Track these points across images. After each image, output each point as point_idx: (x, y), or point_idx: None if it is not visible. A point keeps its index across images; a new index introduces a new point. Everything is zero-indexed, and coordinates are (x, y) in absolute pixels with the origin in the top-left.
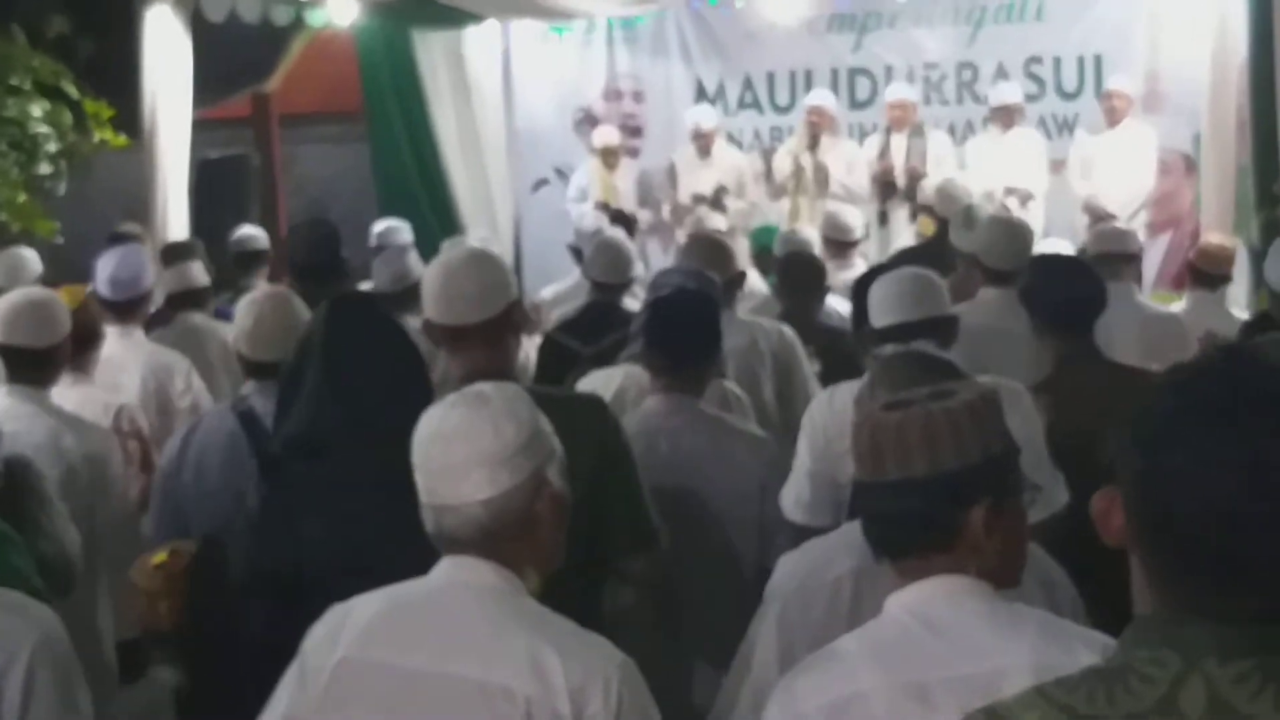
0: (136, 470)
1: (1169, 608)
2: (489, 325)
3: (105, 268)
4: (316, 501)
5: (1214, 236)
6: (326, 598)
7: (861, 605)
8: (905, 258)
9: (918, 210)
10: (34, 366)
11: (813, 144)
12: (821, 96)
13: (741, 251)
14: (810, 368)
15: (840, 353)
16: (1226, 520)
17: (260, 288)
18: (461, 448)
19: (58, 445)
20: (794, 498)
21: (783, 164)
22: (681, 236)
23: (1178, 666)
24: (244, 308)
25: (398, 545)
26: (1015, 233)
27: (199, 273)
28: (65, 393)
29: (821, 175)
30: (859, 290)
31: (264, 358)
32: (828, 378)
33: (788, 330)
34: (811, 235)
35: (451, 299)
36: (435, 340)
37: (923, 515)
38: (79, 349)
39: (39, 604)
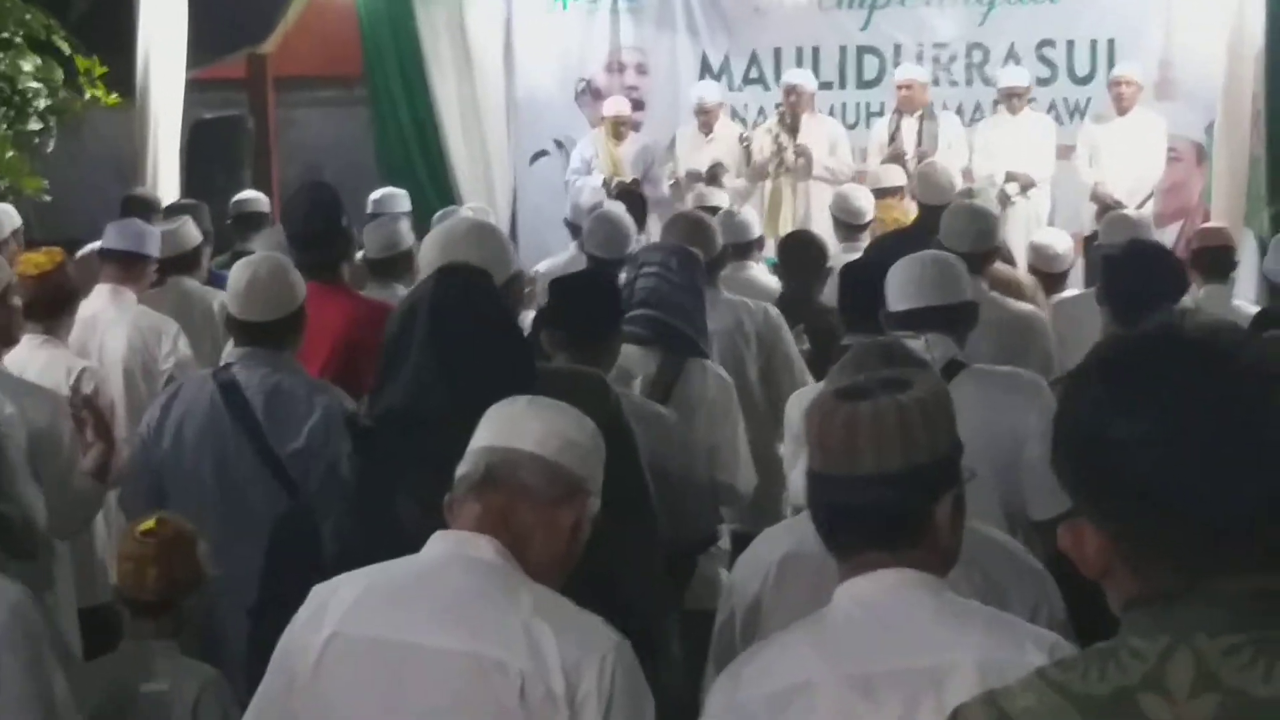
0: (90, 436)
1: (1155, 589)
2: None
3: (111, 233)
4: (414, 476)
5: (1214, 228)
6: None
7: (784, 589)
8: (884, 245)
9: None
10: None
11: (792, 125)
12: (798, 75)
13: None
14: (797, 349)
15: (832, 334)
16: (1207, 481)
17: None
18: (547, 414)
19: (20, 413)
20: (796, 487)
21: (763, 145)
22: (679, 210)
23: (1165, 640)
24: (238, 268)
25: None
26: (978, 218)
27: (192, 235)
28: (34, 353)
29: (804, 153)
30: (845, 277)
31: (252, 318)
32: (817, 358)
33: (773, 310)
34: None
35: (454, 257)
36: None
37: (898, 509)
38: (51, 310)
39: (7, 581)
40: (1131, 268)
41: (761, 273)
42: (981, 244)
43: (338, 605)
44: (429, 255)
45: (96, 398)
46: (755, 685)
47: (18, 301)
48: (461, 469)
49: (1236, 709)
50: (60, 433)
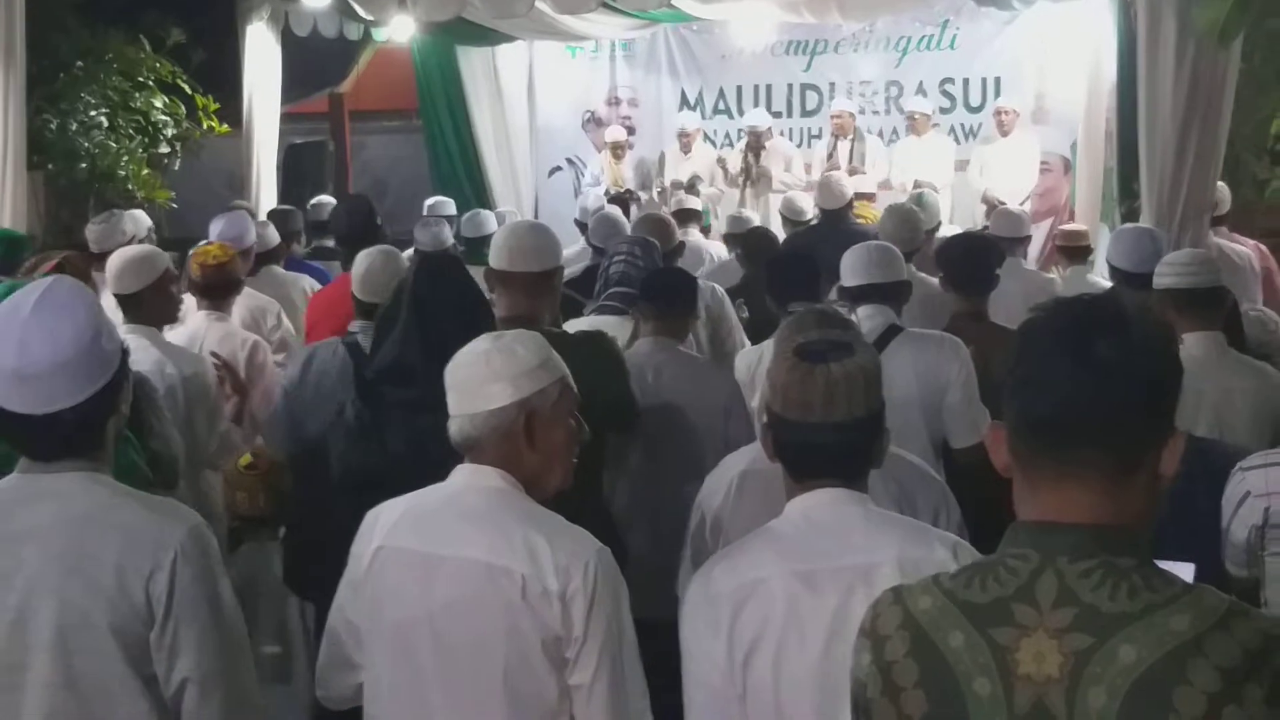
0: (229, 390)
1: (1036, 515)
2: (536, 278)
3: (215, 228)
4: (401, 418)
5: (1069, 225)
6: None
7: (742, 500)
8: (797, 239)
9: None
10: (138, 310)
11: (755, 152)
12: (755, 117)
13: (716, 229)
14: (737, 317)
15: (765, 307)
16: (1055, 422)
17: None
18: (478, 368)
19: (163, 371)
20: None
21: (735, 162)
22: (666, 212)
23: (1036, 562)
24: (359, 259)
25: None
26: (907, 220)
27: (274, 236)
28: (211, 326)
29: (764, 174)
30: (772, 266)
31: (369, 299)
32: (754, 324)
33: (719, 288)
34: (753, 216)
35: (512, 251)
36: (491, 284)
37: (846, 448)
38: (224, 292)
39: (185, 507)
40: (960, 256)
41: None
42: (913, 241)
43: (382, 525)
44: (497, 239)
45: (266, 365)
46: (724, 580)
47: (175, 289)
48: (452, 432)
49: (1088, 619)
50: (209, 387)
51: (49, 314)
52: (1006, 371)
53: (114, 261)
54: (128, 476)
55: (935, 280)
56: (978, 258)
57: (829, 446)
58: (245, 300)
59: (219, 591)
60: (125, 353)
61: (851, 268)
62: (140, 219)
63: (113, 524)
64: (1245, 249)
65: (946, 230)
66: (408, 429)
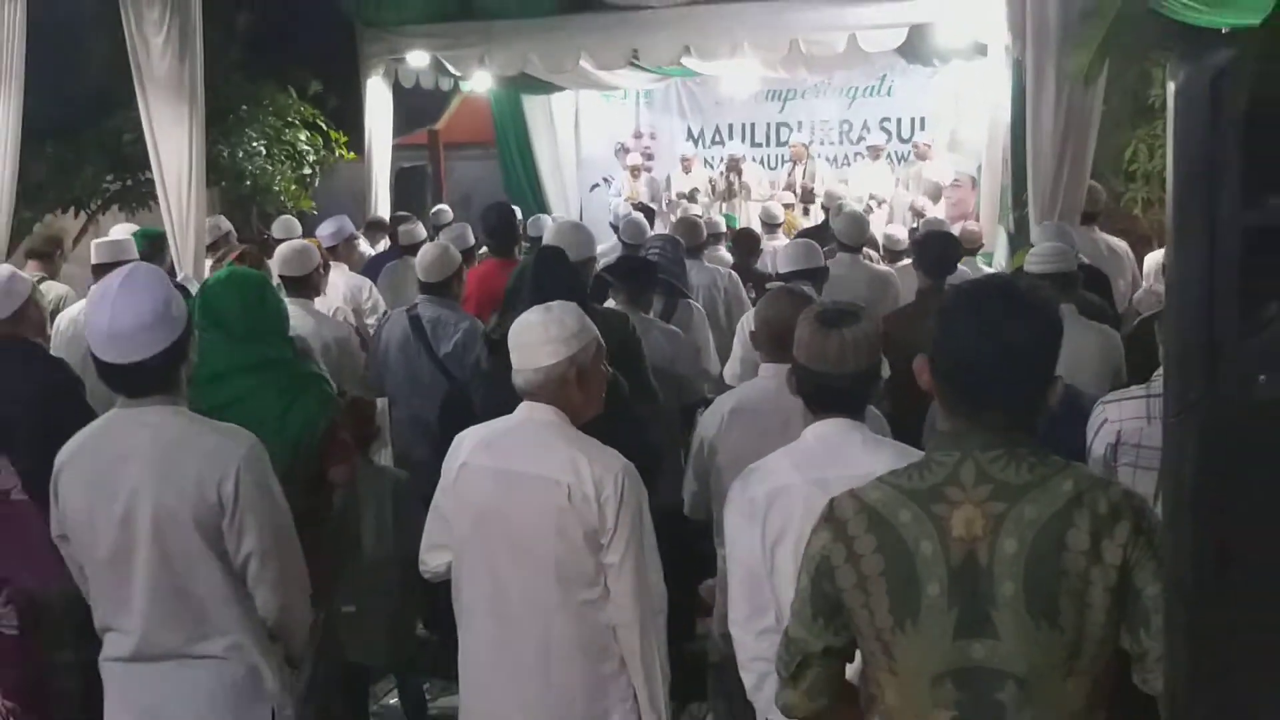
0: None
1: (953, 425)
2: (577, 266)
3: (324, 229)
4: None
5: (969, 225)
6: None
7: (731, 429)
8: (804, 234)
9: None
10: (298, 287)
11: (737, 173)
12: (734, 147)
13: (722, 224)
14: (746, 295)
15: (761, 287)
16: (974, 366)
17: (437, 242)
18: (533, 335)
19: (319, 334)
20: (731, 372)
21: (720, 182)
22: (672, 218)
23: (958, 455)
24: (423, 250)
25: None
26: (857, 221)
27: (419, 233)
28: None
29: (745, 190)
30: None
31: (429, 279)
32: (757, 300)
33: (734, 274)
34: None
35: (559, 244)
36: None
37: (861, 391)
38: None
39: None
40: (932, 245)
41: (725, 252)
42: (861, 235)
43: (466, 447)
44: (548, 238)
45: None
46: (757, 486)
47: (321, 271)
48: (516, 382)
49: (1001, 490)
50: (354, 348)
51: (131, 290)
52: (933, 329)
53: (283, 251)
54: (327, 404)
55: (877, 266)
56: (943, 248)
57: (840, 389)
58: (347, 280)
59: (271, 492)
60: (190, 316)
61: (787, 258)
62: (294, 223)
63: (192, 444)
64: (1121, 242)
65: (888, 230)
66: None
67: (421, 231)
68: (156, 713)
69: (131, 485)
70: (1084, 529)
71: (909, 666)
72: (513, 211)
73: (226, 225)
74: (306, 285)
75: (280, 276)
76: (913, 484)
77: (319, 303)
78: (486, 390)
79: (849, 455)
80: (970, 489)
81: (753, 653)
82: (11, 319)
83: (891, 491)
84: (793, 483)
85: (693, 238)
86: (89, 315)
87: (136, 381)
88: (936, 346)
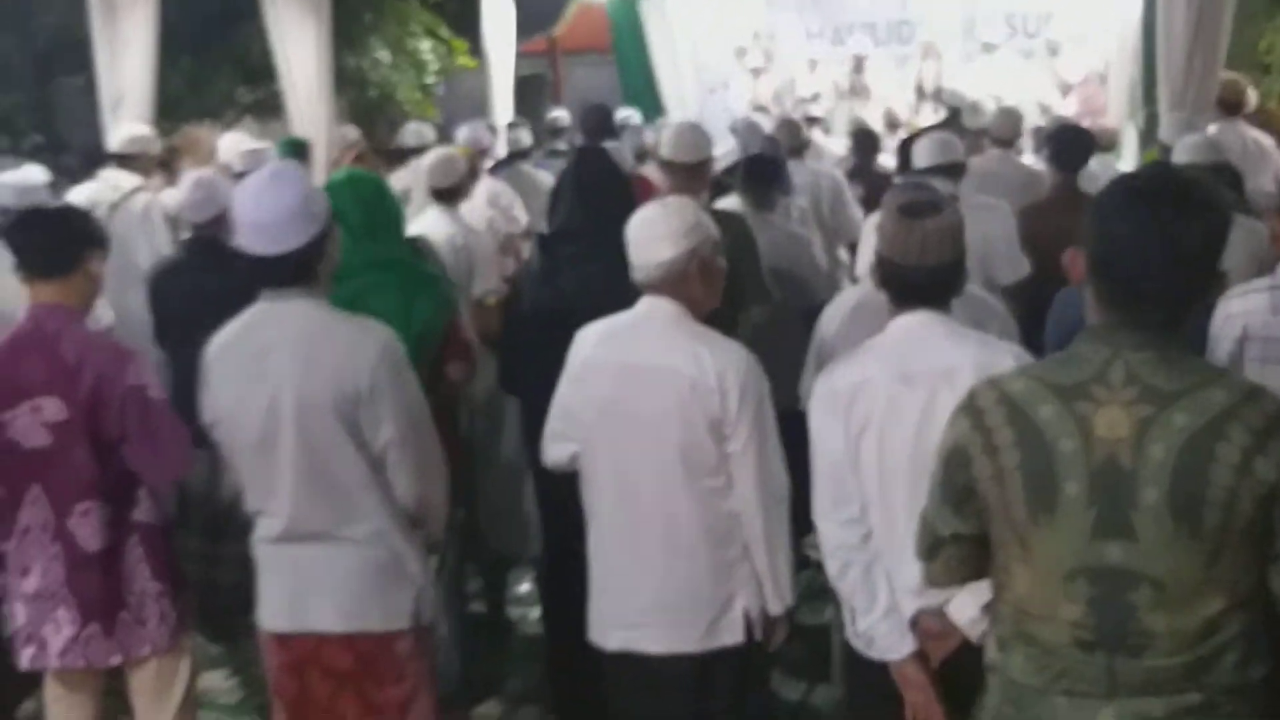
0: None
1: (1105, 319)
2: (691, 166)
3: (460, 135)
4: (569, 266)
5: (1105, 121)
6: (574, 322)
7: (853, 325)
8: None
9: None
10: (448, 195)
11: (860, 72)
12: (859, 45)
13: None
14: (851, 197)
15: (880, 187)
16: (1140, 263)
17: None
18: (653, 229)
19: (454, 240)
20: (863, 266)
21: (844, 82)
22: (797, 118)
23: (1108, 353)
24: (428, 156)
25: (618, 294)
26: (1011, 116)
27: (524, 138)
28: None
29: (865, 89)
30: (902, 148)
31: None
32: (869, 200)
33: (837, 173)
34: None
35: (674, 146)
36: (665, 171)
37: (944, 283)
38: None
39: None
40: (1063, 138)
41: (834, 151)
42: (1014, 131)
43: (589, 339)
44: (666, 135)
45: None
46: (842, 379)
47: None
48: (637, 277)
49: (1150, 394)
50: (490, 254)
51: (275, 184)
52: (1088, 222)
53: (431, 158)
54: (446, 303)
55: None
56: (1075, 141)
57: (922, 282)
58: (488, 185)
59: (408, 382)
60: (330, 215)
61: (926, 152)
62: (426, 131)
63: (331, 336)
64: (1268, 138)
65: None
66: (575, 275)
67: (527, 137)
68: (305, 590)
69: (276, 374)
70: (1236, 443)
71: (1042, 560)
72: (607, 110)
73: (355, 134)
74: (453, 193)
75: (430, 186)
76: (1057, 378)
77: (469, 209)
78: (536, 289)
79: (932, 348)
80: (1118, 389)
81: (835, 541)
82: (211, 223)
83: (1034, 384)
84: (876, 375)
85: (793, 138)
86: (236, 209)
87: (279, 273)
88: (1097, 239)
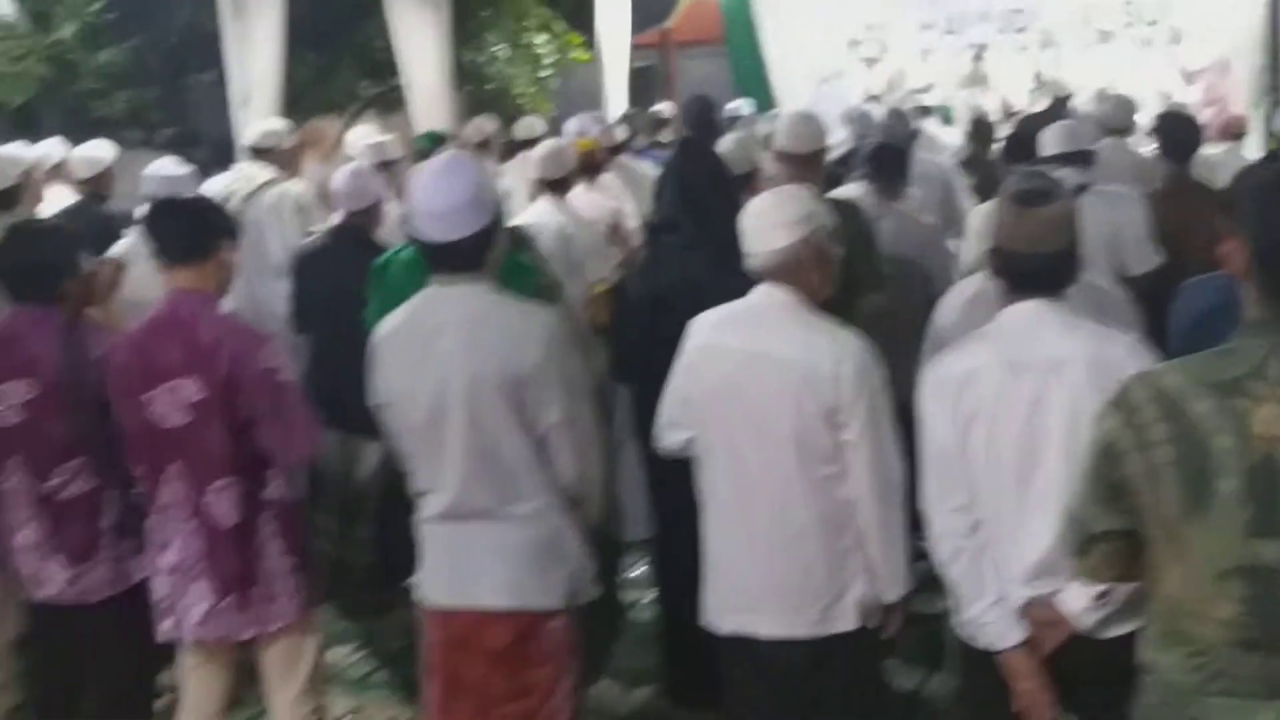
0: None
1: (1266, 312)
2: (805, 157)
3: (570, 126)
4: (672, 256)
5: (1235, 110)
6: (678, 311)
7: (970, 315)
8: (1029, 121)
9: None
10: (558, 186)
11: (979, 60)
12: (979, 34)
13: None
14: (964, 182)
15: (991, 177)
16: None
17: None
18: (768, 217)
19: (564, 229)
20: (967, 258)
21: (962, 69)
22: (907, 108)
23: (1266, 349)
24: (539, 148)
25: (720, 283)
26: (1124, 104)
27: (621, 133)
28: (583, 195)
29: (982, 78)
30: (1011, 138)
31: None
32: (981, 188)
33: (947, 162)
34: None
35: (787, 136)
36: (779, 161)
37: (1061, 269)
38: (593, 172)
39: (546, 308)
40: (1168, 128)
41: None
42: (1127, 120)
43: (704, 327)
44: (781, 125)
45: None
46: (951, 367)
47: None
48: (753, 264)
49: None
50: (601, 244)
51: (448, 174)
52: (1246, 212)
53: (541, 150)
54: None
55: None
56: (1180, 131)
57: (1036, 270)
58: (602, 179)
59: (574, 365)
60: (499, 205)
61: (1055, 140)
62: (536, 123)
63: (499, 319)
64: None
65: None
66: (678, 263)
67: (622, 132)
68: (469, 567)
69: (445, 357)
70: None
71: (1195, 558)
72: (708, 102)
73: (492, 126)
74: (563, 184)
75: (538, 177)
76: (1213, 373)
77: (589, 200)
78: (642, 277)
79: (1044, 337)
80: (1276, 385)
81: (942, 529)
82: (362, 212)
83: (1189, 379)
84: (986, 364)
85: (901, 128)
86: (412, 197)
87: (451, 259)
88: (1260, 227)
